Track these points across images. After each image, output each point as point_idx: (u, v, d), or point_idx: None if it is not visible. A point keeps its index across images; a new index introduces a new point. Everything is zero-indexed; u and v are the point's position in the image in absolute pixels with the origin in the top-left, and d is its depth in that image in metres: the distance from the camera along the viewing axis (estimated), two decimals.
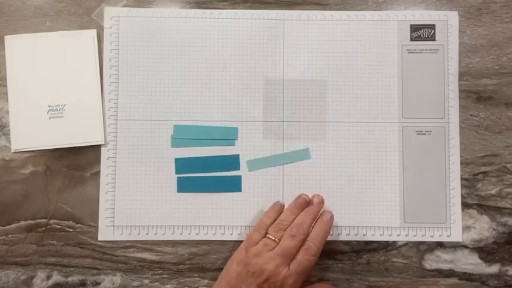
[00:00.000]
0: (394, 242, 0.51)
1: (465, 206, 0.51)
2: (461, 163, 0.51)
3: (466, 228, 0.51)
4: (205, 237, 0.51)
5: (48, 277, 0.50)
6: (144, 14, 0.52)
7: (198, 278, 0.51)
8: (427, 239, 0.51)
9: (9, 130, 0.51)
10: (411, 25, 0.52)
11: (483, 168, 0.51)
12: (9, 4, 0.52)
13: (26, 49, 0.51)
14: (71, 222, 0.51)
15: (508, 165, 0.51)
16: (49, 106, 0.51)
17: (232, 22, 0.52)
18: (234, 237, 0.51)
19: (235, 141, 0.52)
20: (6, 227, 0.50)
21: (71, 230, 0.51)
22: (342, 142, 0.52)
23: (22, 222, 0.51)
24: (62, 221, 0.51)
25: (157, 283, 0.50)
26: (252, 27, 0.52)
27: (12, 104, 0.51)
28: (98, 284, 0.50)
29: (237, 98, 0.52)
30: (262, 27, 0.52)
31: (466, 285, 0.51)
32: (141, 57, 0.52)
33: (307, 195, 0.49)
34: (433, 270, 0.51)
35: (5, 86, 0.51)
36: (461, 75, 0.52)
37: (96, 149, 0.51)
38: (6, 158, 0.51)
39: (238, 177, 0.51)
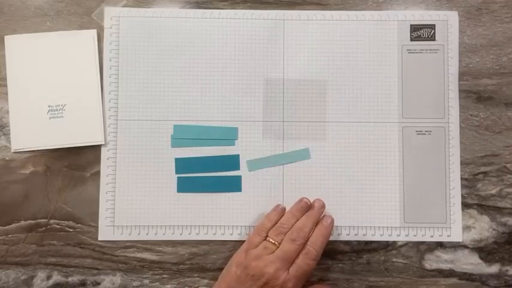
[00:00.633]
0: (394, 242, 0.51)
1: (465, 206, 0.51)
2: (461, 163, 0.51)
3: (466, 228, 0.51)
4: (205, 237, 0.51)
5: (48, 277, 0.50)
6: (144, 14, 0.52)
7: (198, 278, 0.51)
8: (427, 239, 0.51)
9: (9, 130, 0.51)
10: (411, 25, 0.52)
11: (483, 168, 0.51)
12: (9, 4, 0.52)
13: (26, 49, 0.51)
14: (71, 222, 0.51)
15: (508, 165, 0.51)
16: (49, 106, 0.51)
17: (232, 22, 0.52)
18: (234, 237, 0.51)
19: (235, 141, 0.52)
20: (6, 227, 0.50)
21: (71, 230, 0.51)
22: (342, 142, 0.52)
23: (22, 222, 0.51)
24: (62, 221, 0.51)
25: (157, 283, 0.50)
26: (252, 27, 0.52)
27: (12, 104, 0.51)
28: (98, 284, 0.50)
29: (237, 98, 0.52)
30: (262, 27, 0.52)
31: (466, 285, 0.51)
32: (141, 57, 0.52)
33: (308, 199, 0.49)
34: (433, 270, 0.51)
35: (5, 86, 0.51)
36: (461, 75, 0.52)
37: (96, 149, 0.51)
38: (6, 158, 0.51)
39: (238, 177, 0.51)
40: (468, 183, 0.51)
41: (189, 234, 0.51)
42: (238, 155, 0.51)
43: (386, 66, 0.52)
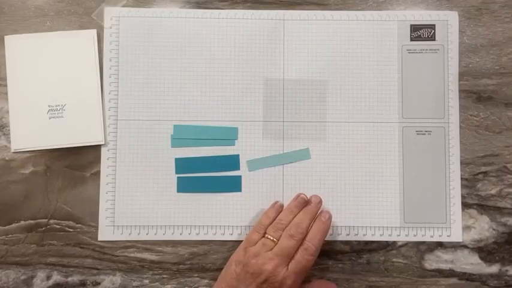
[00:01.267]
0: (394, 242, 0.51)
1: (465, 206, 0.51)
2: (461, 163, 0.51)
3: (466, 228, 0.51)
4: (205, 237, 0.51)
5: (48, 277, 0.50)
6: (144, 14, 0.52)
7: (198, 278, 0.51)
8: (427, 239, 0.51)
9: (9, 130, 0.51)
10: (411, 25, 0.52)
11: (483, 168, 0.52)
12: (10, 4, 0.52)
13: (26, 49, 0.51)
14: (71, 222, 0.51)
15: (508, 165, 0.51)
16: (49, 106, 0.51)
17: (232, 22, 0.52)
18: (234, 237, 0.51)
19: (235, 141, 0.52)
20: (6, 227, 0.50)
21: (71, 230, 0.51)
22: (342, 142, 0.52)
23: (22, 222, 0.51)
24: (62, 221, 0.51)
25: (157, 283, 0.50)
26: (252, 27, 0.52)
27: (12, 104, 0.51)
28: (98, 284, 0.50)
29: (237, 98, 0.52)
30: (262, 27, 0.52)
31: (466, 285, 0.51)
32: (141, 57, 0.52)
33: (305, 195, 0.49)
34: (433, 270, 0.51)
35: (5, 86, 0.51)
36: (461, 75, 0.52)
37: (96, 149, 0.51)
38: (6, 158, 0.51)
39: (238, 177, 0.51)
40: (468, 183, 0.51)
41: (189, 234, 0.51)
42: (238, 155, 0.51)
43: (386, 66, 0.52)
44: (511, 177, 0.51)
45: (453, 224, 0.51)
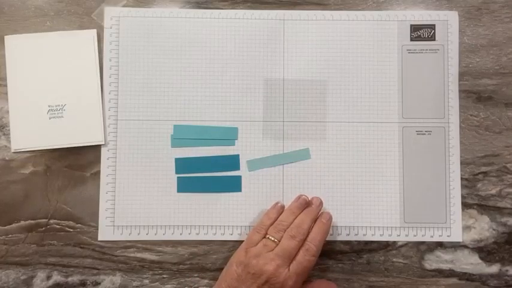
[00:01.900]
0: (394, 242, 0.51)
1: (465, 206, 0.51)
2: (461, 163, 0.51)
3: (466, 228, 0.51)
4: (205, 237, 0.51)
5: (48, 277, 0.50)
6: (144, 14, 0.52)
7: (198, 278, 0.51)
8: (427, 239, 0.51)
9: (9, 130, 0.51)
10: (411, 25, 0.52)
11: (483, 168, 0.52)
12: (10, 4, 0.52)
13: (26, 49, 0.51)
14: (71, 222, 0.51)
15: (508, 165, 0.51)
16: (49, 106, 0.51)
17: (232, 22, 0.52)
18: (234, 237, 0.51)
19: (235, 141, 0.52)
20: (6, 227, 0.50)
21: (71, 230, 0.51)
22: (342, 142, 0.52)
23: (22, 222, 0.51)
24: (62, 221, 0.51)
25: (157, 283, 0.50)
26: (252, 27, 0.52)
27: (12, 104, 0.51)
28: (98, 284, 0.50)
29: (237, 98, 0.52)
30: (262, 27, 0.52)
31: (466, 285, 0.51)
32: (141, 57, 0.52)
33: (306, 196, 0.49)
34: (433, 270, 0.51)
35: (5, 86, 0.51)
36: (461, 75, 0.52)
37: (96, 149, 0.51)
38: (6, 158, 0.51)
39: (238, 177, 0.51)
40: (468, 183, 0.51)
41: (189, 234, 0.51)
42: (238, 155, 0.51)
43: (386, 66, 0.52)
44: (511, 177, 0.51)
45: (453, 224, 0.51)
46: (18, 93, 0.51)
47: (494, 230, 0.51)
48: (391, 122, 0.52)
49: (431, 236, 0.51)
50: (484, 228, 0.51)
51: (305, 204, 0.48)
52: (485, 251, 0.51)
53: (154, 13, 0.52)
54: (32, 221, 0.51)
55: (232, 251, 0.50)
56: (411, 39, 0.52)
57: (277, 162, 0.51)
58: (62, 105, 0.51)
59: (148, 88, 0.52)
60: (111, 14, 0.52)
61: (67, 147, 0.51)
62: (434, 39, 0.52)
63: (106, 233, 0.51)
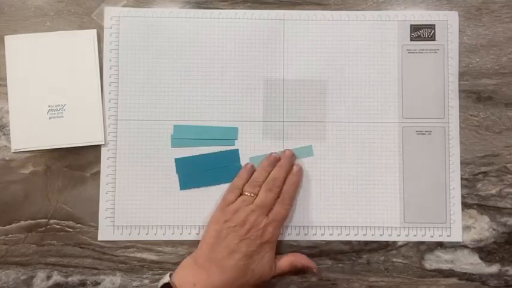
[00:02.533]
0: (394, 242, 0.51)
1: (465, 206, 0.51)
2: (461, 163, 0.51)
3: (466, 228, 0.51)
4: None
5: (48, 277, 0.50)
6: (144, 14, 0.52)
7: None
8: (427, 239, 0.51)
9: (9, 130, 0.51)
10: (411, 25, 0.52)
11: (483, 168, 0.52)
12: (9, 4, 0.52)
13: (26, 49, 0.51)
14: (71, 222, 0.51)
15: (508, 165, 0.51)
16: (49, 106, 0.51)
17: (232, 22, 0.52)
18: None
19: (235, 141, 0.52)
20: (6, 227, 0.50)
21: (71, 230, 0.51)
22: (342, 142, 0.52)
23: (22, 222, 0.51)
24: (62, 221, 0.51)
25: (157, 283, 0.50)
26: (252, 27, 0.52)
27: (12, 104, 0.51)
28: (98, 284, 0.50)
29: (237, 98, 0.52)
30: (262, 27, 0.52)
31: (466, 285, 0.51)
32: (141, 57, 0.52)
33: (276, 154, 0.50)
34: (433, 270, 0.51)
35: (5, 86, 0.51)
36: (461, 75, 0.52)
37: (96, 149, 0.51)
38: (6, 158, 0.51)
39: (238, 166, 0.51)
40: (468, 183, 0.51)
41: (189, 234, 0.51)
42: (237, 150, 0.51)
43: (386, 66, 0.52)
44: (511, 177, 0.51)
45: (453, 224, 0.51)
46: (18, 93, 0.51)
47: (494, 230, 0.51)
48: (391, 122, 0.52)
49: (431, 236, 0.51)
50: (484, 228, 0.51)
51: (276, 161, 0.50)
52: (485, 251, 0.51)
53: (154, 13, 0.52)
54: (32, 221, 0.51)
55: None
56: (411, 39, 0.52)
57: None
58: (62, 105, 0.51)
59: (148, 88, 0.52)
60: (111, 14, 0.52)
61: (67, 147, 0.51)
62: (434, 39, 0.52)
63: (106, 233, 0.51)
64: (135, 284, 0.50)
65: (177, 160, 0.51)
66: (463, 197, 0.51)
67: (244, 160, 0.51)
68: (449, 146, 0.52)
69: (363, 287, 0.51)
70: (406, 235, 0.51)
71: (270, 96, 0.52)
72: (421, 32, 0.52)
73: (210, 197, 0.51)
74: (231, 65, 0.52)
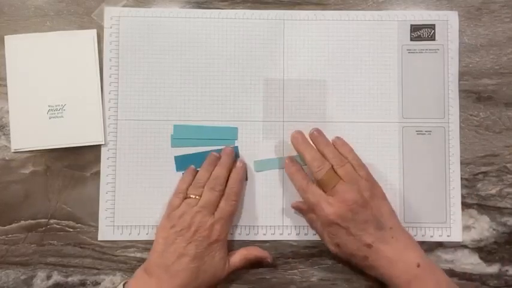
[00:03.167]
0: None
1: (465, 206, 0.51)
2: (461, 163, 0.51)
3: (466, 228, 0.51)
4: None
5: (48, 277, 0.50)
6: (144, 14, 0.52)
7: None
8: (427, 239, 0.51)
9: (9, 130, 0.51)
10: (411, 25, 0.52)
11: (483, 168, 0.51)
12: (9, 4, 0.52)
13: (26, 49, 0.51)
14: (71, 222, 0.51)
15: (508, 165, 0.51)
16: (49, 106, 0.51)
17: (232, 22, 0.52)
18: (234, 237, 0.51)
19: (235, 141, 0.52)
20: (6, 227, 0.50)
21: (71, 230, 0.51)
22: None
23: (22, 222, 0.51)
24: (62, 221, 0.51)
25: None
26: (252, 27, 0.52)
27: (12, 104, 0.51)
28: (98, 284, 0.50)
29: (237, 98, 0.52)
30: (262, 27, 0.52)
31: (466, 285, 0.51)
32: (141, 57, 0.52)
33: (216, 153, 0.50)
34: None
35: (5, 86, 0.51)
36: (461, 75, 0.52)
37: (96, 149, 0.51)
38: (6, 158, 0.51)
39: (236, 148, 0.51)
40: (468, 183, 0.51)
41: None
42: (237, 146, 0.51)
43: (386, 66, 0.52)
44: (511, 177, 0.51)
45: (453, 224, 0.51)
46: (18, 93, 0.51)
47: (494, 230, 0.51)
48: (391, 122, 0.52)
49: (431, 236, 0.51)
50: (484, 228, 0.51)
51: (216, 159, 0.50)
52: (485, 251, 0.51)
53: (154, 13, 0.52)
54: (32, 221, 0.51)
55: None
56: (411, 39, 0.52)
57: (284, 165, 0.51)
58: (62, 105, 0.51)
59: (148, 88, 0.52)
60: (111, 14, 0.52)
61: (67, 147, 0.51)
62: (434, 39, 0.52)
63: (106, 233, 0.51)
64: None
65: (177, 158, 0.51)
66: (463, 197, 0.51)
67: (241, 156, 0.51)
68: (449, 146, 0.52)
69: (363, 287, 0.51)
70: None
71: (270, 96, 0.52)
72: (421, 32, 0.52)
73: None
74: (231, 65, 0.52)
